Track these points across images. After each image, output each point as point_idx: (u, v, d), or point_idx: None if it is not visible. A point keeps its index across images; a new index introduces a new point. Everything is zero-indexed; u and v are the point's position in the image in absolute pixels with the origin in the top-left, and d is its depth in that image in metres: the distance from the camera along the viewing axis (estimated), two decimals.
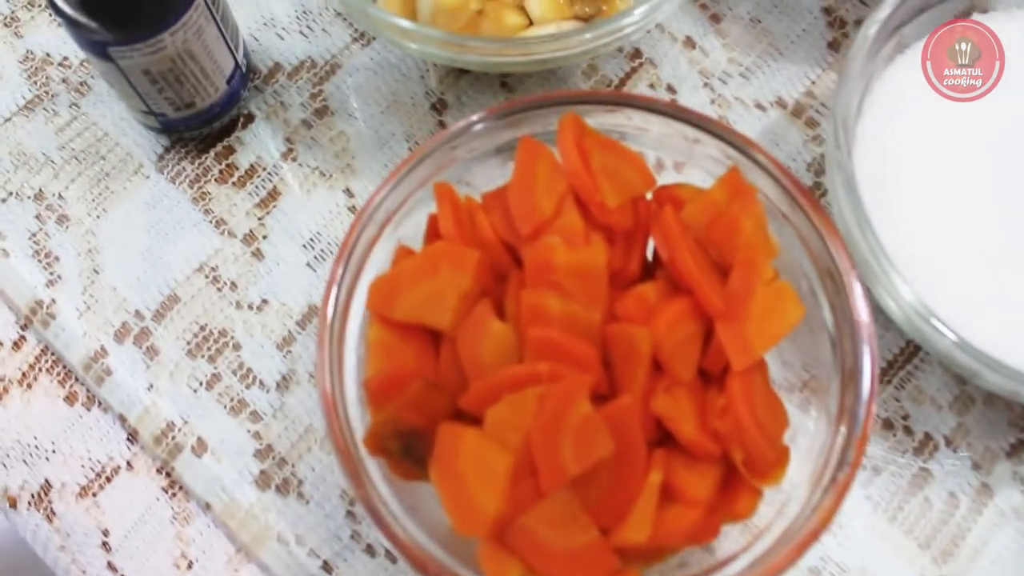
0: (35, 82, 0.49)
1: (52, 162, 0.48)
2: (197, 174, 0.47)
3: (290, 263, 0.46)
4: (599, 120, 0.41)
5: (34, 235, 0.46)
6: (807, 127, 0.49)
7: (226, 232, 0.46)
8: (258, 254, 0.46)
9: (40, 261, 0.46)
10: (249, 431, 0.43)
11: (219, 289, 0.45)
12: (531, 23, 0.44)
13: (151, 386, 0.44)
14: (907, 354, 0.45)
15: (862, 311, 0.37)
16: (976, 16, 0.45)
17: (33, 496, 0.43)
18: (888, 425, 0.44)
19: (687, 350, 0.36)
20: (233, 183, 0.47)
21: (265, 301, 0.45)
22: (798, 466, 0.37)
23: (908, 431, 0.43)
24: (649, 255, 0.40)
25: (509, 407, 0.34)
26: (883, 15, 0.42)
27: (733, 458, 0.36)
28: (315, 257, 0.46)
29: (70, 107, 0.49)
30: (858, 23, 0.51)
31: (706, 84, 0.50)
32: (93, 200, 0.47)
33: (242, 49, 0.47)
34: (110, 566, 0.42)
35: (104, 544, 0.42)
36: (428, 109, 0.49)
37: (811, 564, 0.41)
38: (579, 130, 0.38)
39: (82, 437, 0.43)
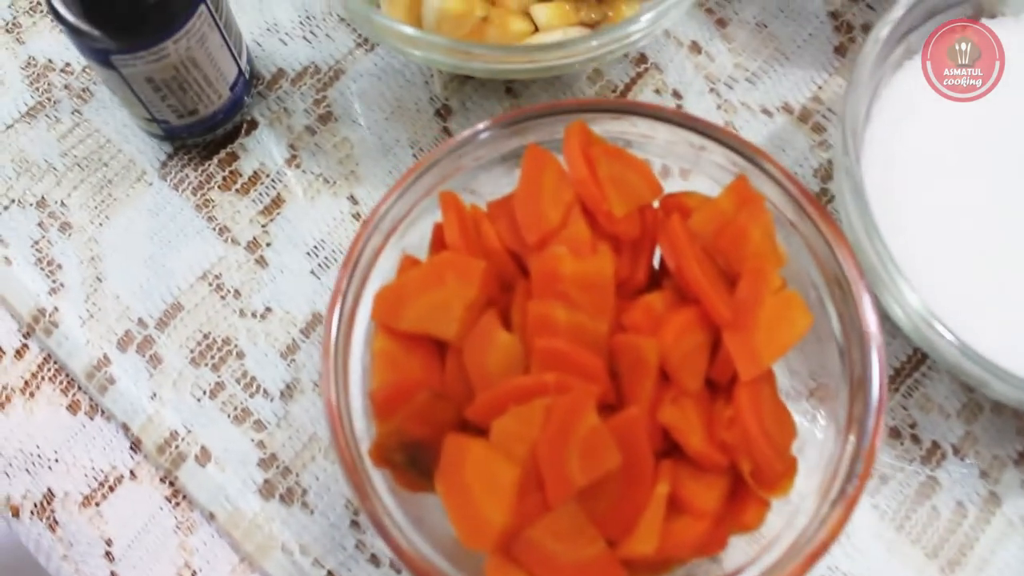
0: (37, 89, 0.49)
1: (54, 169, 0.48)
2: (200, 181, 0.47)
3: (294, 271, 0.46)
4: (605, 127, 0.40)
5: (36, 243, 0.46)
6: (813, 132, 0.49)
7: (229, 239, 0.46)
8: (262, 262, 0.46)
9: (43, 269, 0.46)
10: (253, 440, 0.43)
11: (223, 297, 0.45)
12: (537, 29, 0.44)
13: (154, 395, 0.44)
14: (915, 362, 0.44)
15: (871, 321, 0.36)
16: (984, 21, 0.45)
17: (36, 505, 0.43)
18: (896, 433, 0.43)
19: (694, 360, 0.36)
20: (236, 190, 0.47)
21: (269, 309, 0.45)
22: (806, 477, 0.37)
23: (916, 439, 0.43)
24: (656, 264, 0.40)
25: (516, 419, 0.34)
26: (892, 20, 0.42)
27: (741, 469, 0.35)
28: (319, 265, 0.46)
29: (72, 114, 0.49)
30: (865, 27, 0.50)
31: (712, 89, 0.49)
32: (96, 207, 0.47)
33: (245, 55, 0.47)
34: None
35: (107, 554, 0.42)
36: (432, 115, 0.48)
37: (818, 574, 0.41)
38: (586, 138, 0.38)
39: (85, 446, 0.43)
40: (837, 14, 0.51)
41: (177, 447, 0.43)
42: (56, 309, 0.45)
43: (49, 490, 0.43)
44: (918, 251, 0.41)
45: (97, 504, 0.42)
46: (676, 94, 0.49)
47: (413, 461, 0.35)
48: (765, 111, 0.49)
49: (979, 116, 0.43)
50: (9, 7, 0.51)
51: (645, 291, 0.39)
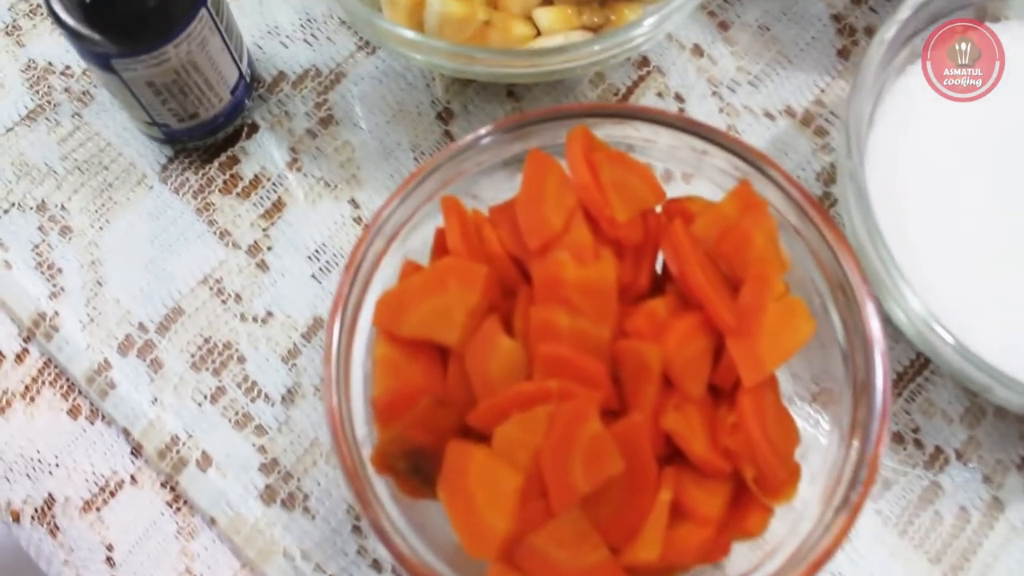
0: (37, 91, 0.49)
1: (55, 173, 0.47)
2: (201, 185, 0.47)
3: (295, 275, 0.45)
4: (607, 132, 0.40)
5: (37, 247, 0.46)
6: (816, 136, 0.48)
7: (230, 243, 0.46)
8: (263, 266, 0.46)
9: (43, 273, 0.46)
10: (254, 445, 0.43)
11: (223, 301, 0.45)
12: (539, 33, 0.44)
13: (155, 399, 0.43)
14: (917, 366, 0.44)
15: (875, 328, 0.36)
16: (988, 24, 0.44)
17: (36, 511, 0.42)
18: (898, 438, 0.43)
19: (698, 366, 0.36)
20: (237, 194, 0.47)
21: (270, 313, 0.45)
22: (809, 483, 0.37)
23: (918, 444, 0.43)
24: (659, 268, 0.40)
25: (518, 425, 0.34)
26: (898, 22, 0.42)
27: (744, 475, 0.35)
28: (320, 269, 0.46)
29: (72, 117, 0.48)
30: (867, 31, 0.50)
31: (714, 93, 0.49)
32: (96, 211, 0.47)
33: (246, 59, 0.46)
34: None
35: (108, 559, 0.42)
36: (434, 118, 0.48)
37: None
38: (588, 143, 0.38)
39: (85, 451, 0.43)
40: (840, 17, 0.50)
41: (178, 452, 0.42)
42: (56, 313, 0.45)
43: (50, 495, 0.43)
44: (921, 255, 0.41)
45: (98, 509, 0.42)
46: (678, 97, 0.49)
47: (415, 468, 0.35)
48: (767, 114, 0.49)
49: (983, 120, 0.43)
50: (9, 10, 0.51)
51: (648, 296, 0.39)
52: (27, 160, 0.48)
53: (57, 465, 0.43)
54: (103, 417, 0.44)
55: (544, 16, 0.43)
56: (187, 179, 0.47)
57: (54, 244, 0.46)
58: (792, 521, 0.36)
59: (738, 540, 0.36)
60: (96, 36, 0.39)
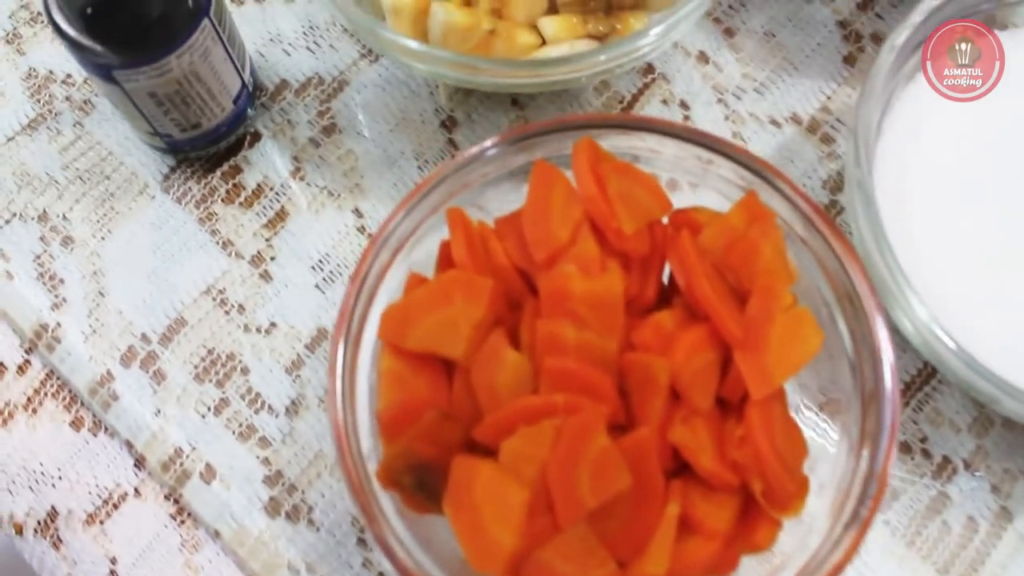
0: (38, 100, 0.49)
1: (56, 182, 0.47)
2: (203, 194, 0.47)
3: (298, 285, 0.45)
4: (612, 142, 0.40)
5: (38, 257, 0.46)
6: (822, 143, 0.48)
7: (233, 253, 0.46)
8: (266, 276, 0.45)
9: (45, 283, 0.45)
10: (258, 457, 0.42)
11: (227, 312, 0.45)
12: (544, 42, 0.44)
13: (158, 411, 0.43)
14: (925, 375, 0.44)
15: (884, 341, 0.36)
16: (996, 32, 0.44)
17: (39, 523, 0.42)
18: (906, 448, 0.43)
19: (705, 379, 0.36)
20: (240, 203, 0.47)
21: (273, 324, 0.45)
22: (818, 495, 0.37)
23: (926, 454, 0.43)
24: (665, 279, 0.40)
25: (525, 440, 0.34)
26: (911, 25, 0.41)
27: (752, 489, 0.35)
28: (324, 279, 0.45)
29: (74, 126, 0.48)
30: (874, 37, 0.50)
31: (720, 100, 0.49)
32: (98, 221, 0.46)
33: (248, 67, 0.46)
34: None
35: (112, 572, 0.41)
36: (438, 127, 0.48)
37: None
38: (594, 155, 0.38)
39: (89, 463, 0.43)
40: (846, 23, 0.50)
41: (182, 464, 0.42)
42: (59, 324, 0.45)
43: (53, 508, 0.42)
44: (929, 264, 0.41)
45: (101, 522, 0.42)
46: (684, 105, 0.49)
47: (421, 483, 0.35)
48: (773, 122, 0.49)
49: (993, 129, 0.42)
50: (10, 18, 0.50)
51: (655, 308, 0.38)
52: (28, 170, 0.47)
53: (60, 478, 0.43)
54: (106, 429, 0.43)
55: (549, 25, 0.43)
56: (189, 189, 0.47)
57: (56, 254, 0.46)
58: (801, 534, 0.36)
59: (746, 554, 0.36)
60: (98, 47, 0.39)
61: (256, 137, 0.48)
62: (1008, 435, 0.43)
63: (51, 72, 0.49)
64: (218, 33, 0.42)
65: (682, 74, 0.49)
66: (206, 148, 0.46)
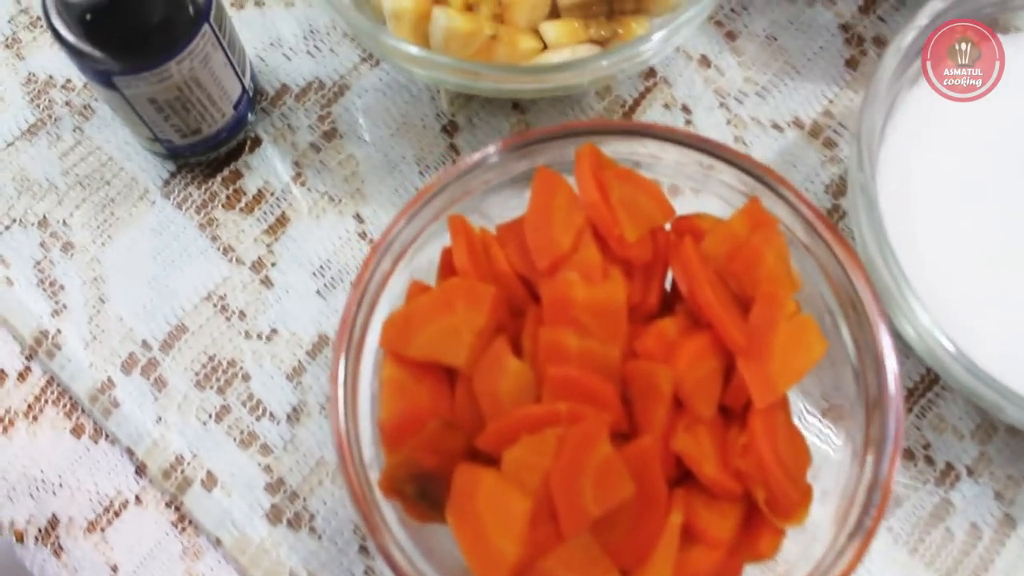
0: (38, 105, 0.48)
1: (56, 188, 0.47)
2: (204, 199, 0.47)
3: (299, 291, 0.45)
4: (613, 147, 0.40)
5: (39, 263, 0.46)
6: (825, 147, 0.48)
7: (234, 259, 0.46)
8: (267, 282, 0.45)
9: (45, 290, 0.45)
10: (259, 464, 0.42)
11: (227, 318, 0.45)
12: (545, 46, 0.43)
13: (159, 418, 0.43)
14: (928, 381, 0.44)
15: (887, 349, 0.36)
16: (999, 35, 0.44)
17: (40, 531, 0.42)
18: (909, 454, 0.43)
19: (708, 387, 0.36)
20: (241, 209, 0.46)
21: (274, 330, 0.44)
22: (821, 503, 0.36)
23: (929, 460, 0.43)
24: (668, 285, 0.39)
25: (527, 448, 0.34)
26: (915, 31, 0.41)
27: (755, 497, 0.35)
28: (325, 285, 0.45)
29: (74, 131, 0.48)
30: (876, 40, 0.50)
31: (722, 104, 0.49)
32: (98, 227, 0.46)
33: (249, 72, 0.46)
34: None
35: None
36: (439, 131, 0.48)
37: None
38: (597, 161, 0.38)
39: (89, 470, 0.43)
40: (848, 27, 0.50)
41: (183, 471, 0.42)
42: (59, 331, 0.44)
43: (54, 515, 0.42)
44: (933, 270, 0.41)
45: (102, 530, 0.42)
46: (685, 109, 0.49)
47: (423, 492, 0.35)
48: (775, 126, 0.48)
49: (998, 134, 0.42)
50: (9, 22, 0.50)
51: (657, 314, 0.38)
52: (28, 175, 0.47)
53: (60, 485, 0.43)
54: (107, 436, 0.43)
55: (551, 30, 0.43)
56: (190, 194, 0.47)
57: (56, 260, 0.46)
58: (804, 543, 0.36)
59: (750, 563, 0.36)
60: (98, 53, 0.39)
61: (257, 142, 0.48)
62: (1012, 441, 0.43)
63: (51, 77, 0.49)
64: (218, 38, 0.41)
65: (684, 78, 0.49)
66: (206, 153, 0.46)
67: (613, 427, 0.35)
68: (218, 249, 0.46)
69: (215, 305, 0.45)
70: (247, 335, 0.44)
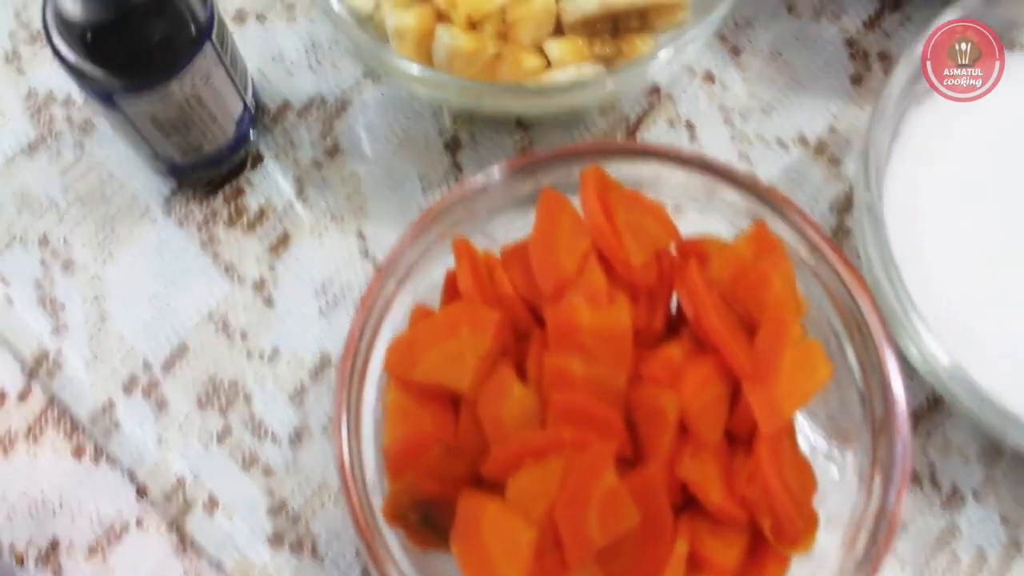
0: (38, 121, 0.48)
1: (56, 205, 0.47)
2: (205, 217, 0.46)
3: (301, 310, 0.45)
4: (617, 168, 0.39)
5: (39, 281, 0.45)
6: (830, 164, 0.48)
7: (235, 277, 0.45)
8: (268, 301, 0.45)
9: (46, 308, 0.45)
10: (261, 486, 0.42)
11: (229, 337, 0.44)
12: (549, 64, 0.43)
13: (160, 440, 0.43)
14: (934, 402, 0.44)
15: (894, 375, 0.36)
16: (1007, 54, 0.44)
17: (40, 553, 0.42)
18: (915, 477, 0.42)
19: (714, 412, 0.35)
20: (243, 226, 0.46)
21: (276, 350, 0.44)
22: (827, 530, 0.36)
23: (935, 483, 0.42)
24: (673, 307, 0.39)
25: (532, 477, 0.33)
26: (918, 52, 0.41)
27: (761, 525, 0.35)
28: (327, 304, 0.45)
29: (74, 147, 0.48)
30: (881, 56, 0.49)
31: (726, 120, 0.48)
32: (99, 244, 0.46)
33: (250, 89, 0.46)
34: None
35: None
36: (442, 148, 0.47)
37: None
38: (602, 184, 0.37)
39: (90, 492, 0.42)
40: (853, 42, 0.50)
41: (184, 494, 0.42)
42: (60, 350, 0.44)
43: (54, 538, 0.42)
44: (940, 291, 0.40)
45: (103, 553, 0.42)
46: (689, 125, 0.48)
47: (427, 520, 0.34)
48: (780, 142, 0.48)
49: (1008, 155, 0.42)
50: (9, 37, 0.50)
51: (662, 337, 0.38)
52: (28, 192, 0.47)
53: (61, 506, 0.42)
54: (108, 457, 0.43)
55: (555, 48, 0.43)
56: (191, 211, 0.46)
57: (56, 279, 0.45)
58: (810, 570, 0.36)
59: None
60: (98, 73, 0.39)
61: (258, 158, 0.47)
62: (1018, 465, 0.43)
63: (51, 92, 0.49)
64: (220, 56, 0.41)
65: (688, 94, 0.49)
66: (208, 171, 0.46)
67: (617, 452, 0.35)
68: (219, 267, 0.45)
69: (216, 324, 0.44)
70: (249, 355, 0.44)
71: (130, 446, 0.43)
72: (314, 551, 0.41)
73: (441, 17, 0.42)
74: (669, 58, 0.40)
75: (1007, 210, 0.42)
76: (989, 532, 0.42)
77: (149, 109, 0.40)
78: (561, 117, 0.47)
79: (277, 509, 0.42)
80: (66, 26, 0.38)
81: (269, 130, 0.48)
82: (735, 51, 0.50)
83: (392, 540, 0.35)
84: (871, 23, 0.50)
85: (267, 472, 0.42)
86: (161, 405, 0.43)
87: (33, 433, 0.43)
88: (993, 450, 0.43)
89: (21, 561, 0.42)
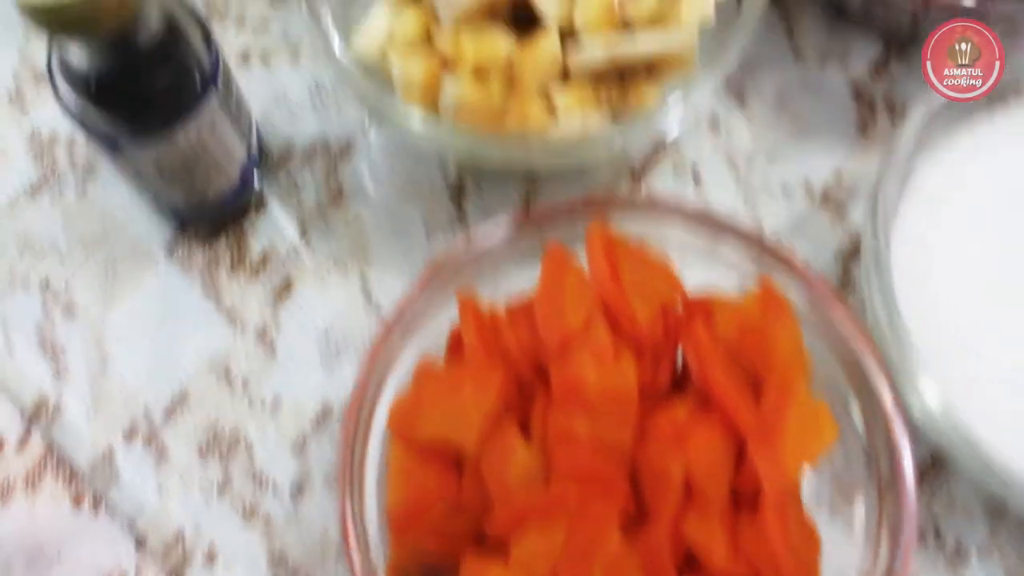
0: (41, 162, 0.48)
1: (58, 247, 0.46)
2: (208, 260, 0.46)
3: (304, 358, 0.44)
4: (622, 219, 0.39)
5: (40, 325, 0.45)
6: (835, 212, 0.47)
7: (238, 324, 0.45)
8: (271, 348, 0.45)
9: (46, 353, 0.45)
10: (262, 538, 0.42)
11: (230, 384, 0.44)
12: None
13: (161, 488, 0.42)
14: (938, 457, 0.43)
15: (901, 437, 0.36)
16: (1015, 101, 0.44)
17: None
18: (919, 534, 0.42)
19: (719, 471, 0.35)
20: (245, 271, 0.46)
21: (278, 399, 0.44)
22: None
23: (939, 539, 0.42)
24: (679, 362, 0.39)
25: (536, 539, 0.33)
26: (931, 99, 0.41)
27: None
28: (330, 352, 0.45)
29: (77, 189, 0.47)
30: (887, 102, 0.49)
31: (731, 168, 0.48)
32: (101, 288, 0.46)
33: (255, 133, 0.45)
34: None
35: None
36: (446, 194, 0.47)
37: None
38: (607, 241, 0.37)
39: (89, 543, 0.42)
40: (859, 89, 0.50)
41: (183, 546, 0.41)
42: (60, 396, 0.44)
43: None
44: (946, 345, 0.40)
45: None
46: (694, 172, 0.48)
47: None
48: (785, 190, 0.48)
49: (1018, 205, 0.42)
50: (13, 76, 0.50)
51: (668, 392, 0.38)
52: (30, 235, 0.47)
53: (59, 556, 0.42)
54: (107, 506, 0.43)
55: (561, 96, 0.42)
56: (194, 255, 0.46)
57: (57, 323, 0.45)
58: None
59: None
60: (103, 121, 0.38)
61: (261, 202, 0.47)
62: (1022, 521, 0.42)
63: (55, 132, 0.49)
64: (225, 103, 0.41)
65: (693, 140, 0.49)
66: (212, 215, 0.46)
67: (622, 510, 0.34)
68: (222, 314, 0.45)
69: (218, 372, 0.44)
70: (250, 403, 0.44)
71: (130, 495, 0.42)
72: None
73: (447, 64, 0.42)
74: (677, 109, 0.40)
75: (1018, 264, 0.42)
76: None
77: (153, 156, 0.40)
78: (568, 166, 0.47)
79: (277, 561, 0.41)
80: (71, 73, 0.38)
81: (273, 173, 0.48)
82: (740, 97, 0.50)
83: None
84: (877, 70, 0.50)
85: (268, 523, 0.42)
86: (161, 453, 0.43)
87: (32, 481, 0.43)
88: (998, 507, 0.42)
89: None
